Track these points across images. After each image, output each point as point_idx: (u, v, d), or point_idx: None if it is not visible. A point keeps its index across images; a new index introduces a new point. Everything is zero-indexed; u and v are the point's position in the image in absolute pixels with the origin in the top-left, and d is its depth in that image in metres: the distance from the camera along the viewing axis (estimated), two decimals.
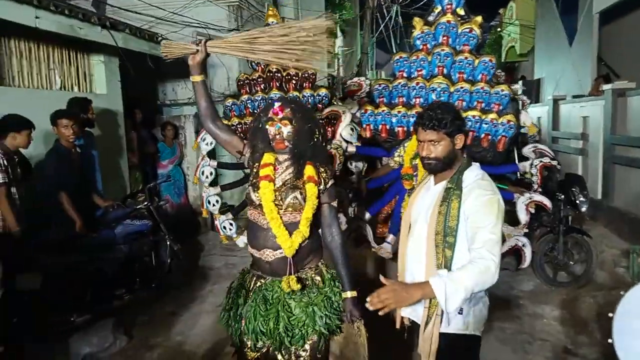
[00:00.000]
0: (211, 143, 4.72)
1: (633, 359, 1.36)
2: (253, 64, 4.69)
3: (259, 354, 2.11)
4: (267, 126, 2.06)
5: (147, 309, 4.08)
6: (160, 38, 5.80)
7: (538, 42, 13.08)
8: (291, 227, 2.04)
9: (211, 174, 4.67)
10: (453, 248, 1.87)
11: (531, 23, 14.25)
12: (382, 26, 14.06)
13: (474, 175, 1.93)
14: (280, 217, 2.03)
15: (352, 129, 4.16)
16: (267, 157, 2.10)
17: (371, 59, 18.15)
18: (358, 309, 2.07)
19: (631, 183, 5.96)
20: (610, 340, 1.33)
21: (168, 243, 4.49)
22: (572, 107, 8.33)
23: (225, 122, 4.72)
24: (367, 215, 3.98)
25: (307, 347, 2.07)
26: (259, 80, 4.61)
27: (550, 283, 4.43)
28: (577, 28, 9.74)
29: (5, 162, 3.42)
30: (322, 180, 2.10)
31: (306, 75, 4.54)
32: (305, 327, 2.03)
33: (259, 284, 2.13)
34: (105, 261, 3.86)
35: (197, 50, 2.05)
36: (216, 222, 4.61)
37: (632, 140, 5.89)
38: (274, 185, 2.06)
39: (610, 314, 1.24)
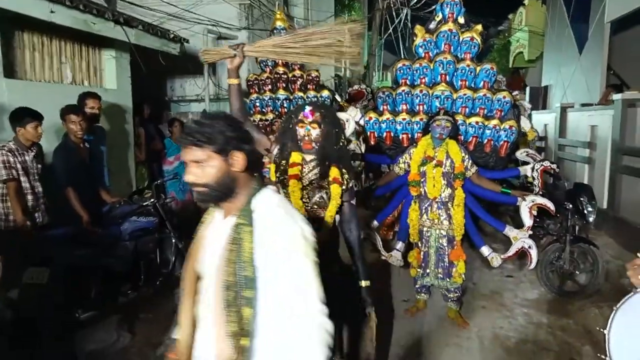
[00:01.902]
0: None
1: None
2: (262, 64, 4.78)
3: None
4: (297, 127, 2.23)
5: (151, 307, 4.07)
6: (172, 35, 5.80)
7: (547, 49, 13.03)
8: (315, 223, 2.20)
9: None
10: (253, 304, 1.37)
11: (540, 30, 14.20)
12: (391, 29, 14.04)
13: (265, 203, 1.47)
14: (307, 214, 2.22)
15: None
16: (295, 157, 2.28)
17: (379, 60, 18.13)
18: (370, 297, 2.28)
19: (637, 193, 5.93)
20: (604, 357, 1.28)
21: (173, 240, 4.48)
22: (580, 115, 8.30)
23: None
24: (375, 223, 4.00)
25: None
26: (267, 80, 4.75)
27: (556, 292, 4.41)
28: (587, 36, 9.69)
29: (11, 158, 3.43)
30: (345, 181, 2.27)
31: (310, 77, 4.68)
32: None
33: None
34: (111, 257, 3.86)
35: (235, 55, 2.29)
36: None
37: None
38: (301, 184, 2.24)
39: (604, 330, 1.23)
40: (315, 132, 2.19)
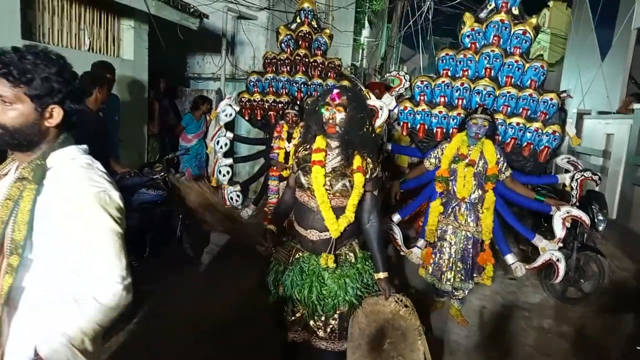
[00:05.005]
0: (230, 115, 4.72)
1: None
2: (282, 44, 4.68)
3: (295, 317, 2.32)
4: (322, 110, 2.17)
5: (155, 279, 4.10)
6: (192, 9, 5.75)
7: (568, 53, 12.81)
8: (337, 211, 2.20)
9: (226, 144, 4.73)
10: (16, 274, 1.18)
11: (563, 33, 13.97)
12: (411, 21, 13.83)
13: (66, 160, 1.25)
14: (330, 201, 2.18)
15: None
16: (320, 142, 2.24)
17: (396, 52, 17.93)
18: (391, 287, 2.24)
19: None
20: None
21: (180, 215, 4.49)
22: (597, 122, 8.18)
23: (247, 96, 4.75)
24: (397, 217, 3.88)
25: (336, 315, 2.24)
26: (286, 61, 4.62)
27: (559, 298, 4.38)
28: (611, 42, 9.51)
29: None
30: (369, 170, 2.23)
31: (332, 65, 4.56)
32: (336, 297, 2.20)
33: (297, 256, 2.32)
34: None
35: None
36: (223, 192, 4.68)
37: None
38: (325, 170, 2.20)
39: None
40: (340, 115, 2.13)
